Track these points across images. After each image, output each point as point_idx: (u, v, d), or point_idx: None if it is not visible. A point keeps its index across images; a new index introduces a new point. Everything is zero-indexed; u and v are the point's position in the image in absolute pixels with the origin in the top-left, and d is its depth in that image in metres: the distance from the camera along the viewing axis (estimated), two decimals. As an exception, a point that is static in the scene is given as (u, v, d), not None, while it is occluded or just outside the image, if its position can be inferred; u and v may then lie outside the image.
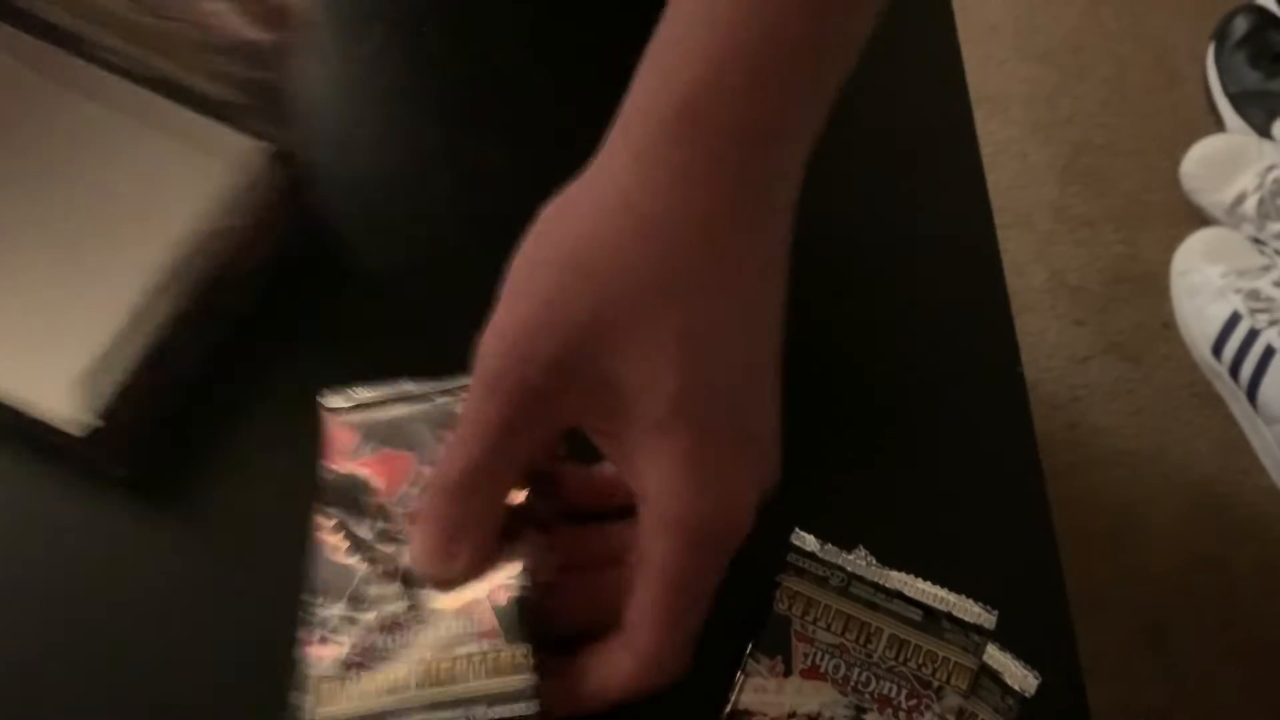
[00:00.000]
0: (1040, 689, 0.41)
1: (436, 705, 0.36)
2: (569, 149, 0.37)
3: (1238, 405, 1.23)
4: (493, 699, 0.36)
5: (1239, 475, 1.22)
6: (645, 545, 0.34)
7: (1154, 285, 1.31)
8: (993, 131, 1.38)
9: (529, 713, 0.36)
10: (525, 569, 0.39)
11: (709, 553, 0.33)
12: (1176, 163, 1.35)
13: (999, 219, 0.51)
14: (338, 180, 0.51)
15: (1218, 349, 1.22)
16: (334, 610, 0.38)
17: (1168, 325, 1.29)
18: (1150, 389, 1.26)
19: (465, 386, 0.39)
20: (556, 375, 0.32)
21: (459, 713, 0.36)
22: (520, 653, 0.37)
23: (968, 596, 0.42)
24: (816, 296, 0.45)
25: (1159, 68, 1.44)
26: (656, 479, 0.33)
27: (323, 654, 0.37)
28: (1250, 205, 1.27)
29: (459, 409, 0.40)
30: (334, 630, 0.38)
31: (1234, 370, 1.21)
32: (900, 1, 0.57)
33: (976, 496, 0.46)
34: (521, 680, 0.36)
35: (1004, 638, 0.42)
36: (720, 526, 0.33)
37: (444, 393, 0.41)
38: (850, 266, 0.48)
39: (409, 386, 0.43)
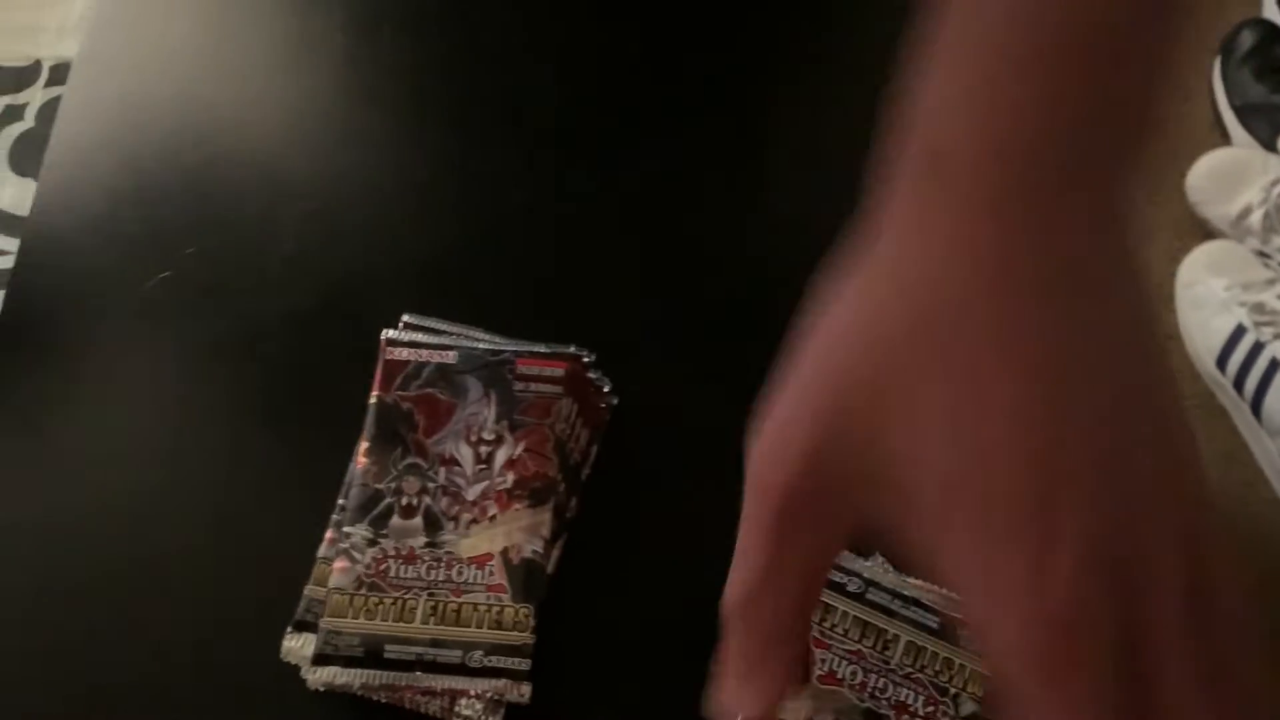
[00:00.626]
0: None
1: (439, 642, 0.39)
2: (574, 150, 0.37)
3: (1241, 417, 1.23)
4: (491, 648, 0.38)
5: (1242, 488, 1.22)
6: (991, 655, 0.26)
7: (1158, 297, 1.31)
8: (999, 142, 1.39)
9: (520, 669, 0.39)
10: (542, 535, 0.41)
11: (1073, 647, 0.24)
12: (1182, 175, 1.35)
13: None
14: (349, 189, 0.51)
15: (1222, 362, 1.22)
16: (358, 529, 0.41)
17: (1172, 337, 1.29)
18: (1154, 400, 1.26)
19: (528, 354, 0.42)
20: (820, 468, 0.27)
21: (457, 653, 0.38)
22: (524, 612, 0.39)
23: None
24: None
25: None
26: (972, 577, 0.25)
27: (341, 567, 0.40)
28: (1256, 219, 1.27)
29: (511, 375, 0.43)
30: (355, 548, 0.41)
31: (1238, 383, 1.21)
32: (910, 17, 0.58)
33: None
34: (520, 638, 0.39)
35: None
36: (1062, 622, 0.24)
37: (500, 358, 0.43)
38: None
39: (478, 335, 0.45)
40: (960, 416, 0.25)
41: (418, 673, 0.38)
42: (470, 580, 0.39)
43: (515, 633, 0.39)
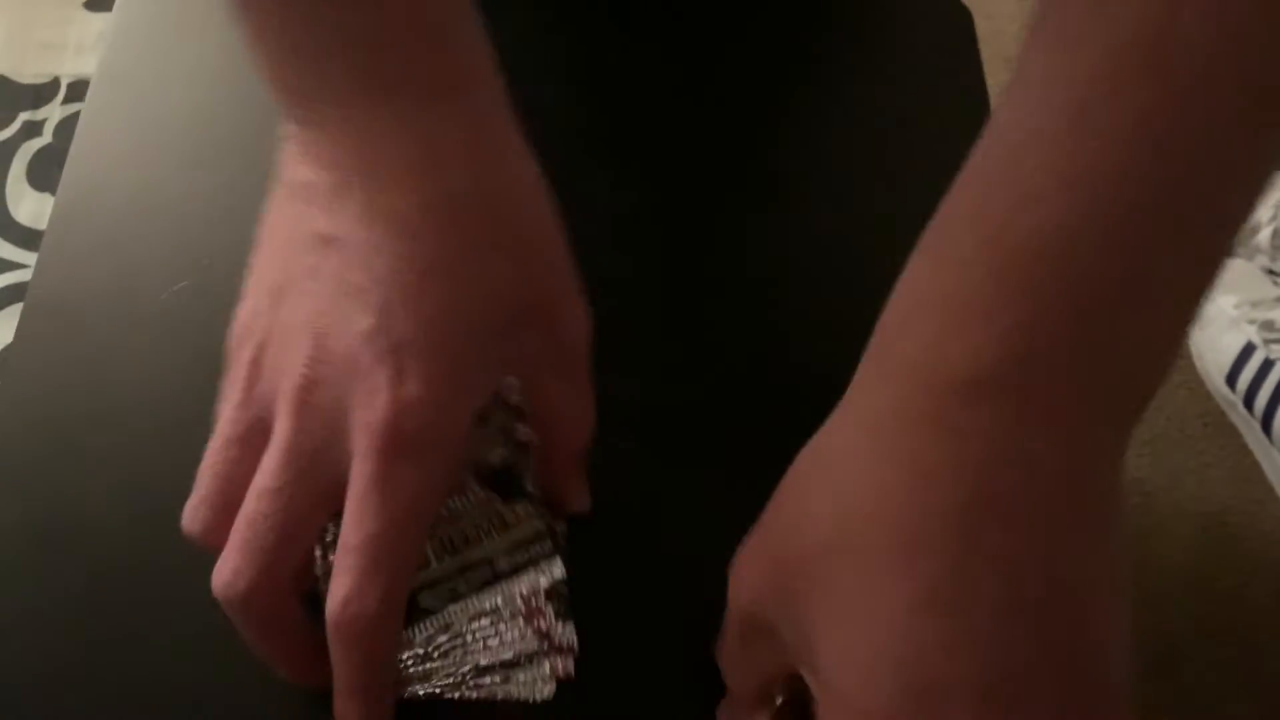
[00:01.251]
0: None
1: (465, 568, 0.39)
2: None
3: (1252, 435, 1.23)
4: (510, 549, 0.39)
5: (1253, 505, 1.22)
6: None
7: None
8: (1008, 160, 1.39)
9: (547, 554, 0.39)
10: (503, 439, 0.41)
11: None
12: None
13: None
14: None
15: (1231, 379, 1.22)
16: None
17: (1181, 355, 1.29)
18: (1163, 418, 1.26)
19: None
20: (766, 605, 0.30)
21: (485, 570, 0.39)
22: (520, 507, 0.39)
23: None
24: (833, 326, 0.46)
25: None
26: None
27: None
28: (1264, 236, 1.27)
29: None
30: None
31: (1248, 400, 1.21)
32: (924, 32, 0.59)
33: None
34: (530, 528, 0.39)
35: None
36: None
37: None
38: (873, 303, 0.49)
39: None
40: (859, 607, 0.26)
41: (459, 605, 0.39)
42: (459, 509, 0.40)
43: (522, 526, 0.39)
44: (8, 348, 0.54)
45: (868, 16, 0.59)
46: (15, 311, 0.57)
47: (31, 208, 1.25)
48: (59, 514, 0.48)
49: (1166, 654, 1.14)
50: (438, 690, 0.38)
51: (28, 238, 1.25)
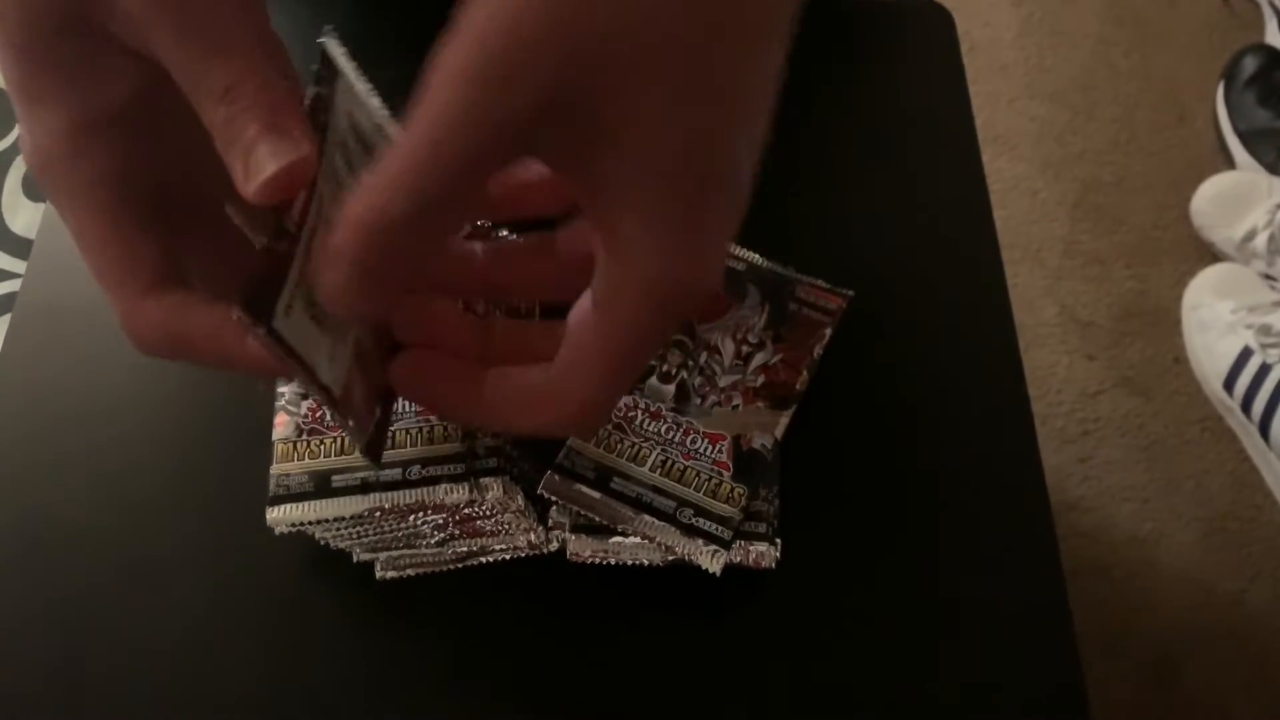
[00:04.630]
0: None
1: (660, 490, 0.43)
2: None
3: (1250, 440, 1.23)
4: (700, 510, 0.43)
5: (1252, 510, 1.21)
6: (604, 297, 0.30)
7: (1164, 321, 1.31)
8: (1003, 169, 1.39)
9: (723, 536, 0.42)
10: (774, 434, 0.43)
11: (672, 315, 0.30)
12: (1187, 199, 1.36)
13: (1009, 255, 0.52)
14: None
15: (1229, 384, 1.22)
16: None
17: (1178, 360, 1.29)
18: (1161, 424, 1.26)
19: (810, 284, 0.47)
20: (547, 106, 0.26)
21: (671, 504, 0.43)
22: (739, 490, 0.43)
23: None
24: (831, 361, 0.46)
25: (1169, 106, 1.45)
26: (632, 230, 0.28)
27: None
28: (1260, 241, 1.27)
29: (790, 295, 0.47)
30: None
31: (1246, 405, 1.21)
32: (910, 44, 0.59)
33: (983, 527, 0.47)
34: (728, 510, 0.43)
35: (1010, 676, 0.43)
36: (692, 289, 0.29)
37: (785, 278, 0.48)
38: (860, 301, 0.49)
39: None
40: (698, 83, 0.27)
41: (634, 510, 0.43)
42: (701, 451, 0.44)
43: (726, 505, 0.43)
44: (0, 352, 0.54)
45: (850, 20, 0.59)
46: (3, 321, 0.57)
47: (27, 219, 1.26)
48: (48, 516, 0.48)
49: (1167, 660, 1.13)
50: None
51: (24, 248, 1.25)
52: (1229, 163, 1.39)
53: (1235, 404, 1.22)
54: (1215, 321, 1.25)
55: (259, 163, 0.30)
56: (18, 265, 1.24)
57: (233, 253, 0.35)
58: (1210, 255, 1.34)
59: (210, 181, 0.32)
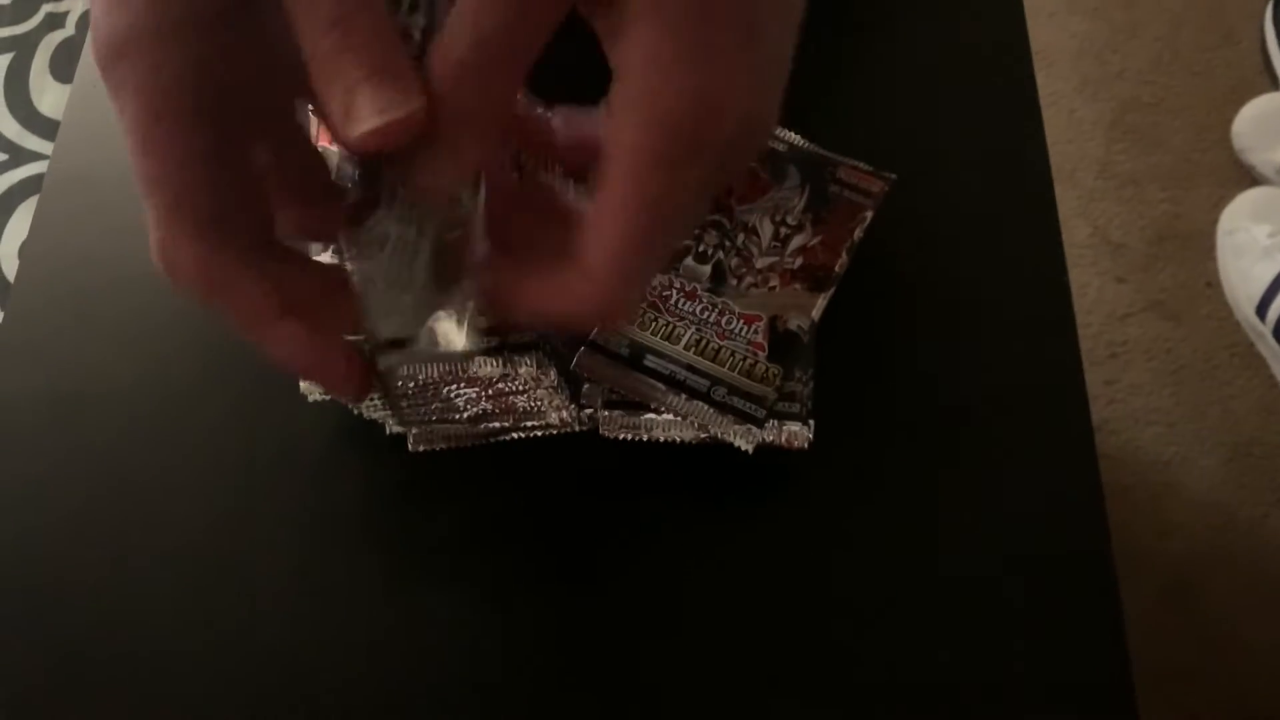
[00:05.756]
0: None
1: (693, 369, 0.43)
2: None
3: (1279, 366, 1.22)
4: (734, 389, 0.42)
5: (1278, 436, 1.21)
6: (613, 135, 0.28)
7: (1199, 244, 1.29)
8: (1040, 86, 1.36)
9: (756, 414, 0.42)
10: (810, 316, 0.43)
11: (687, 152, 0.27)
12: (1228, 121, 1.33)
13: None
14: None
15: (1262, 310, 1.20)
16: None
17: (1211, 285, 1.27)
18: (1190, 348, 1.25)
19: (852, 166, 0.46)
20: None
21: (705, 383, 0.42)
22: (774, 370, 0.42)
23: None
24: (870, 247, 0.45)
25: (1213, 25, 1.41)
26: (643, 50, 0.27)
27: None
28: (1301, 164, 1.25)
29: (830, 177, 0.45)
30: None
31: (1278, 331, 1.19)
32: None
33: (1019, 423, 0.46)
34: (762, 389, 0.42)
35: (1046, 590, 0.43)
36: (705, 117, 0.27)
37: (826, 159, 0.46)
38: (903, 187, 0.48)
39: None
40: None
41: (667, 388, 0.42)
42: (736, 331, 0.43)
43: (761, 384, 0.43)
44: (30, 230, 0.53)
45: None
46: (31, 204, 0.57)
47: (55, 99, 1.24)
48: (81, 387, 0.48)
49: (1185, 582, 1.13)
50: None
51: (52, 129, 1.24)
52: (1274, 84, 1.36)
53: (1267, 330, 1.20)
54: (1251, 246, 1.23)
55: (362, 108, 0.27)
56: (45, 146, 1.23)
57: (287, 195, 0.33)
58: (1249, 179, 1.31)
59: (286, 104, 0.31)
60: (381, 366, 0.31)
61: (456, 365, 0.42)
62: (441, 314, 0.33)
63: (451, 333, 0.33)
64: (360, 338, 0.31)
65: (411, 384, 0.42)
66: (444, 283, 0.31)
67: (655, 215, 0.28)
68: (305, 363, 0.31)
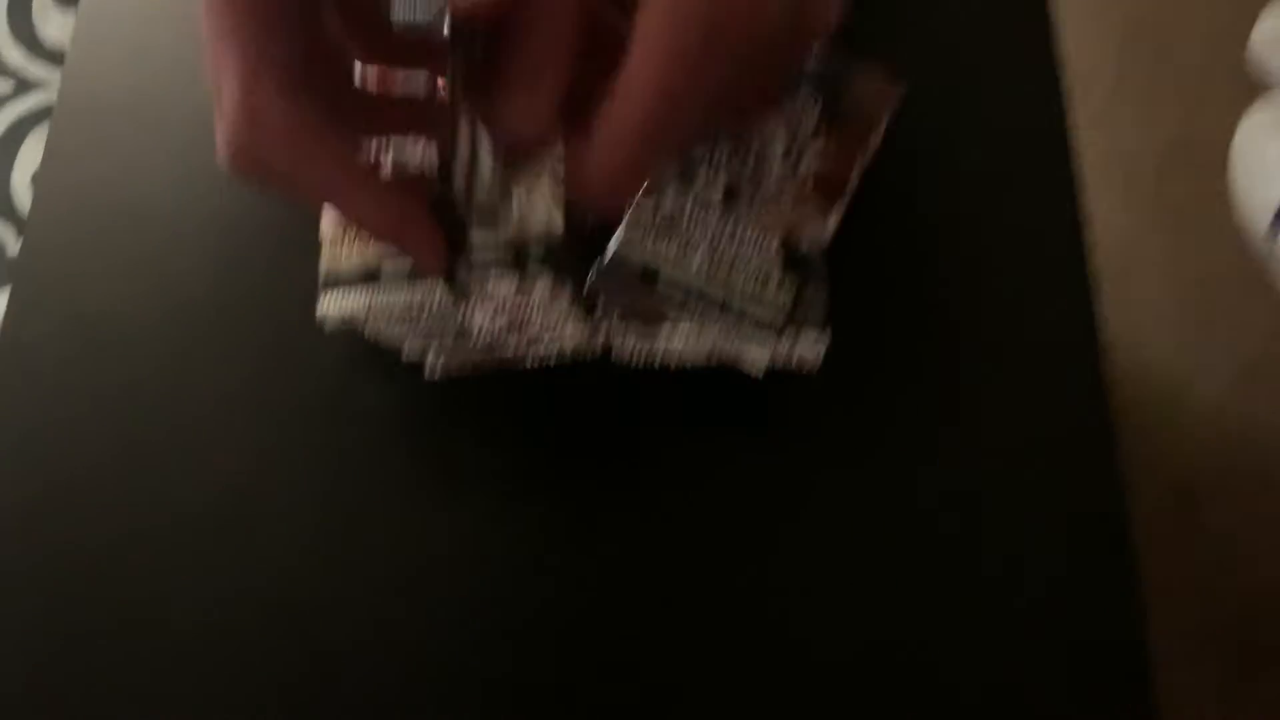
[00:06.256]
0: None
1: (708, 283, 0.43)
2: None
3: (1292, 281, 1.21)
4: (751, 299, 0.42)
5: (1290, 359, 1.21)
6: (641, 21, 0.28)
7: (1212, 159, 1.28)
8: (1053, -1, 1.34)
9: (773, 324, 0.42)
10: (825, 230, 0.43)
11: (709, 47, 0.27)
12: (1243, 34, 1.30)
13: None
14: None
15: (1276, 225, 1.20)
16: (666, 174, 0.44)
17: (1224, 200, 1.26)
18: (1203, 264, 1.24)
19: (867, 73, 0.45)
20: None
21: (720, 294, 0.43)
22: (789, 281, 0.42)
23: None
24: (881, 160, 0.46)
25: (1230, -67, 1.38)
26: None
27: (645, 204, 0.44)
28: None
29: (845, 87, 0.45)
30: (660, 190, 0.44)
31: (1291, 245, 1.19)
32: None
33: (1031, 339, 0.46)
34: (777, 300, 0.42)
35: (1052, 507, 0.43)
36: (735, 11, 0.27)
37: (840, 69, 0.45)
38: (917, 96, 0.47)
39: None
40: None
41: (680, 306, 0.43)
42: (749, 248, 0.43)
43: (774, 301, 0.43)
44: (43, 159, 0.53)
45: None
46: (40, 133, 0.57)
47: (58, 27, 1.23)
48: (97, 317, 0.49)
49: (1189, 494, 1.14)
50: None
51: (56, 58, 1.23)
52: (1291, -6, 1.33)
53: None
54: (1265, 160, 1.22)
55: None
56: (50, 74, 1.22)
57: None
58: (1265, 93, 1.29)
59: None
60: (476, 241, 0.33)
61: (473, 283, 0.42)
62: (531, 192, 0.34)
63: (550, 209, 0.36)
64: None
65: (427, 304, 0.42)
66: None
67: (687, 83, 0.28)
68: (392, 226, 0.31)
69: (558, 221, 0.40)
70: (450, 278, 0.37)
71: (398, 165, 0.44)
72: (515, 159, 0.33)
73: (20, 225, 0.57)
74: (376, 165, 0.39)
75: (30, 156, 0.59)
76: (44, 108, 0.63)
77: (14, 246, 0.56)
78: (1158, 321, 1.21)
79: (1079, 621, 0.42)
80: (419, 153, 0.44)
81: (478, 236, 0.36)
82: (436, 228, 0.32)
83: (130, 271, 0.49)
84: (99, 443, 0.46)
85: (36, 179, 0.52)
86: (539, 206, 0.40)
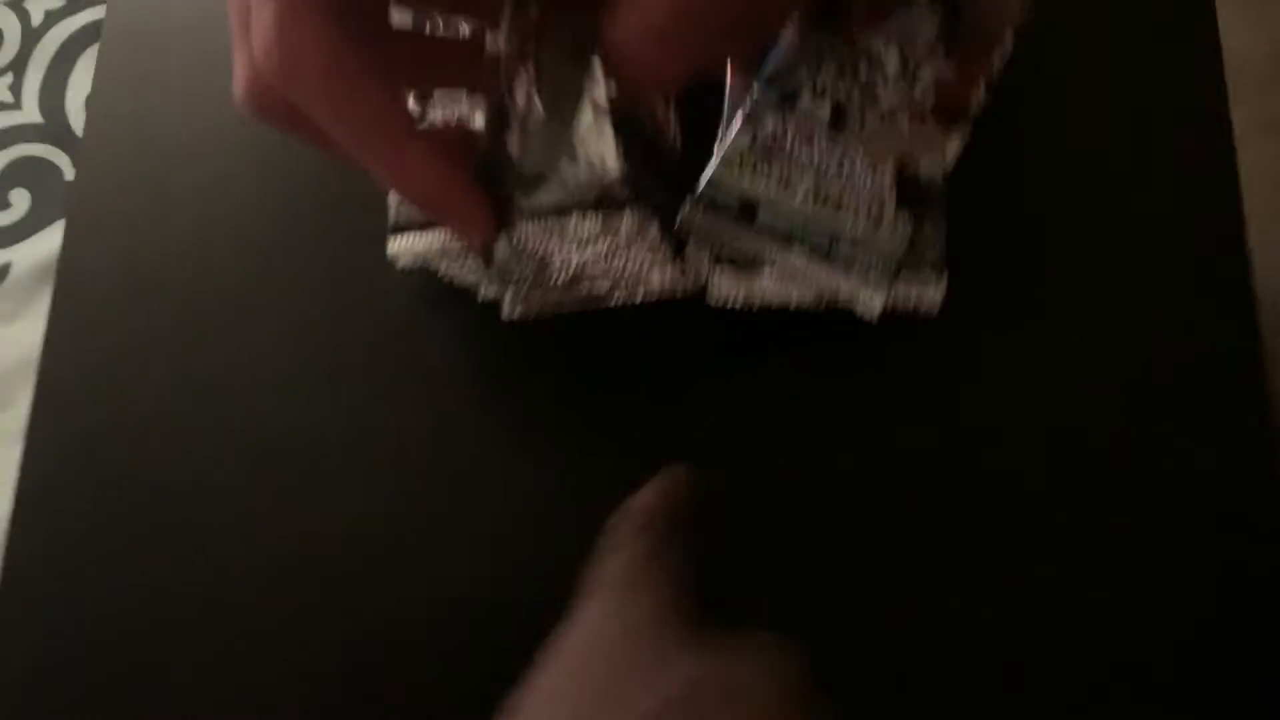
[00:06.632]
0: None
1: (811, 222, 0.39)
2: None
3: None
4: (858, 242, 0.38)
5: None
6: None
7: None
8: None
9: (883, 270, 0.38)
10: (944, 158, 0.39)
11: None
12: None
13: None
14: None
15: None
16: (769, 95, 0.40)
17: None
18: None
19: None
20: None
21: (825, 239, 0.38)
22: (903, 218, 0.38)
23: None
24: (1008, 78, 0.41)
25: None
26: None
27: (743, 129, 0.39)
28: None
29: None
30: (757, 114, 0.39)
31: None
32: None
33: (1174, 284, 0.42)
34: (891, 242, 0.38)
35: (1199, 452, 0.39)
36: None
37: None
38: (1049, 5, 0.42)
39: None
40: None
41: (782, 244, 0.39)
42: (860, 178, 0.39)
43: (888, 239, 0.38)
44: (92, 87, 0.51)
45: None
46: (94, 53, 0.54)
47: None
48: (157, 261, 0.46)
49: None
50: None
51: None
52: None
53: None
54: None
55: None
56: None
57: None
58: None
59: None
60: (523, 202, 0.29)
61: (553, 224, 0.39)
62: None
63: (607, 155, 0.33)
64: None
65: (514, 241, 0.39)
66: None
67: None
68: (434, 191, 0.27)
69: (612, 163, 0.36)
70: (489, 256, 0.33)
71: (444, 121, 0.40)
72: (558, 102, 0.29)
73: (75, 151, 0.54)
74: (417, 121, 0.35)
75: (83, 78, 0.56)
76: (96, 23, 0.60)
77: (69, 174, 0.54)
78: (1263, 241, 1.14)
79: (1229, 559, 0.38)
80: (465, 109, 0.40)
81: (526, 201, 0.32)
82: (481, 197, 0.28)
83: (191, 210, 0.47)
84: (159, 377, 0.44)
85: (89, 104, 0.50)
86: (592, 149, 0.36)
